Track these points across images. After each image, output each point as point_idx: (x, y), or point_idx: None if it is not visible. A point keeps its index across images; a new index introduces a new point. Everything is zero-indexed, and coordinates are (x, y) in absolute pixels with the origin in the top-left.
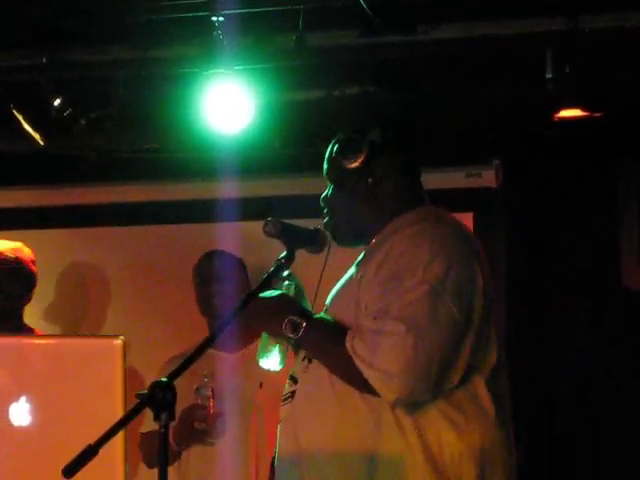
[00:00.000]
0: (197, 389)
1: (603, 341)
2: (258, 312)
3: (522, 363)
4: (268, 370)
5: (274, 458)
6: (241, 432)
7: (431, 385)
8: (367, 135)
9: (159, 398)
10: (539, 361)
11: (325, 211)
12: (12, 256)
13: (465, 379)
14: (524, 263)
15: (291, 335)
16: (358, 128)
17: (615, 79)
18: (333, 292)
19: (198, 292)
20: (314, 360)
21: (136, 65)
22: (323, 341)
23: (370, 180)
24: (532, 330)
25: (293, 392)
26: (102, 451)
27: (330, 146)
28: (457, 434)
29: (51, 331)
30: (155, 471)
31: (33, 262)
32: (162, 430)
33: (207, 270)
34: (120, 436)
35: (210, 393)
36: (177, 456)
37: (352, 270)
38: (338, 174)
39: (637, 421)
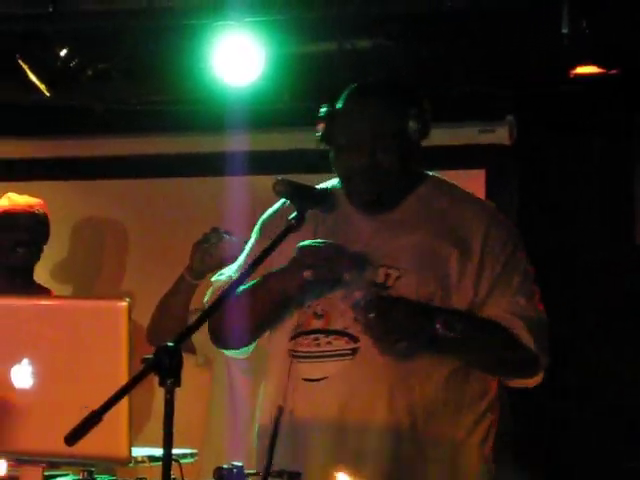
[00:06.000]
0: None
1: (616, 299)
2: (404, 317)
3: None
4: None
5: (279, 411)
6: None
7: None
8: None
9: (165, 363)
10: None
11: (373, 177)
12: (41, 210)
13: None
14: (536, 221)
15: (451, 333)
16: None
17: (632, 36)
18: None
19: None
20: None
21: (145, 16)
22: (481, 333)
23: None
24: (542, 288)
25: (354, 349)
26: (106, 417)
27: (392, 104)
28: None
29: (63, 290)
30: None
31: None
32: (167, 396)
33: None
34: (124, 402)
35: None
36: (192, 290)
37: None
38: (408, 139)
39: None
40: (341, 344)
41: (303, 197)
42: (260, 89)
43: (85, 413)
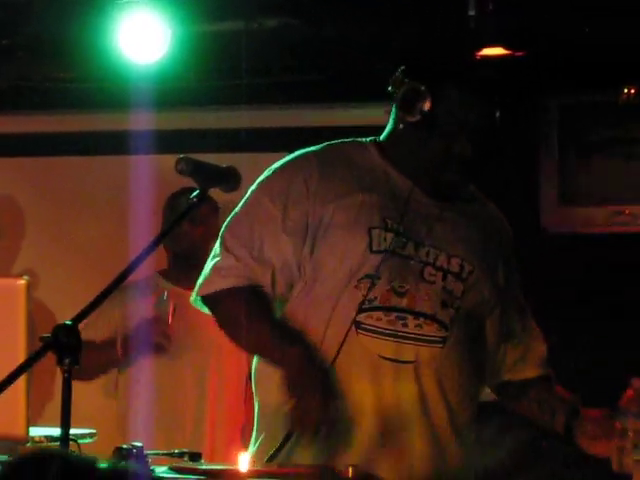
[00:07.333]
0: (156, 304)
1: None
2: None
3: None
4: None
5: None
6: (198, 372)
7: None
8: None
9: (63, 342)
10: None
11: (469, 168)
12: None
13: None
14: None
15: None
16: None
17: (539, 18)
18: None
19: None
20: (459, 310)
21: None
22: None
23: None
24: None
25: (444, 338)
26: (3, 396)
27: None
28: None
29: None
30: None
31: None
32: (65, 375)
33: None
34: (22, 381)
35: (170, 310)
36: (114, 365)
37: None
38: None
39: None
40: (432, 330)
41: (206, 175)
42: (165, 67)
43: None
